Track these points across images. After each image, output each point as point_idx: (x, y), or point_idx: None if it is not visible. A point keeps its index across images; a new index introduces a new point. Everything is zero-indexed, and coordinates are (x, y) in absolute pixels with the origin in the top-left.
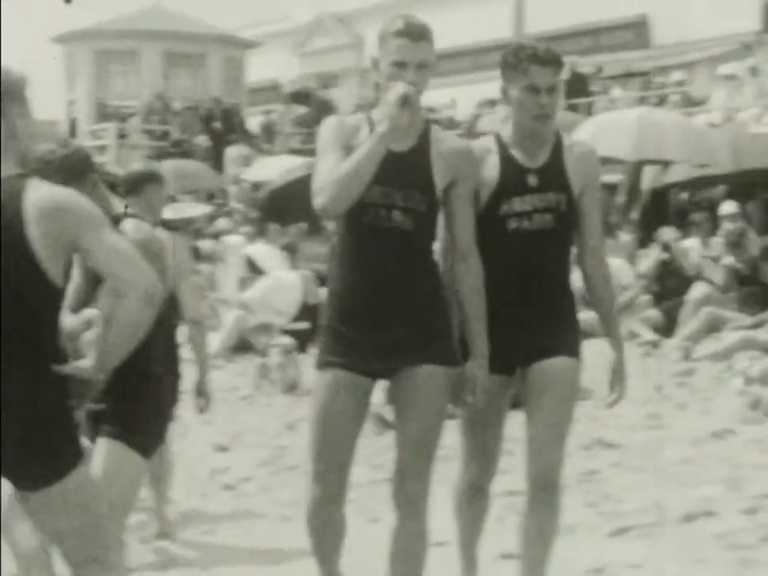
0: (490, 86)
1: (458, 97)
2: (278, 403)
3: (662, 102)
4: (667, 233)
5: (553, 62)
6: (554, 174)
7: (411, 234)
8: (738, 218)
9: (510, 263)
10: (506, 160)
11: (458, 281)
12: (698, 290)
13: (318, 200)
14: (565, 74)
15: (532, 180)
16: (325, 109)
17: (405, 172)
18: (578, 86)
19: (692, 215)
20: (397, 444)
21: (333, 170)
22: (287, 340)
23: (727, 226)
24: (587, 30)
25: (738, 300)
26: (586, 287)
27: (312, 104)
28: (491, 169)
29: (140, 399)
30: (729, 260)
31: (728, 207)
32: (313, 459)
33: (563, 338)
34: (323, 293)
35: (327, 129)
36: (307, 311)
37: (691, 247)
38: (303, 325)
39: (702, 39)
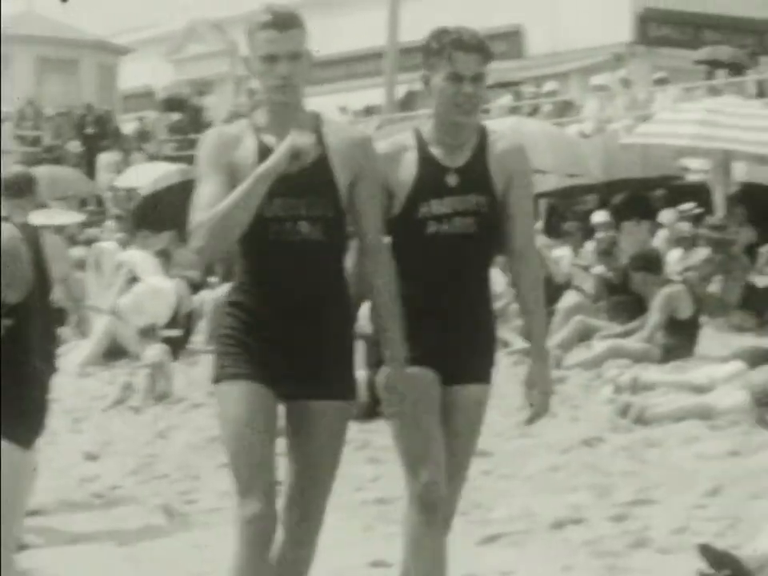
0: (366, 94)
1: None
2: (148, 411)
3: (534, 111)
4: (537, 241)
5: (478, 48)
6: (475, 175)
7: (320, 244)
8: (610, 227)
9: (431, 268)
10: (425, 158)
11: (368, 280)
12: (568, 299)
13: (193, 243)
14: None
15: (451, 180)
16: (199, 115)
17: (304, 178)
18: None
19: (564, 224)
20: (292, 472)
21: (207, 205)
22: (160, 347)
23: (598, 235)
24: None
25: (608, 309)
26: (515, 292)
27: (186, 110)
28: (408, 167)
29: (18, 392)
30: (599, 269)
31: (600, 216)
32: (238, 476)
33: (481, 358)
34: (196, 300)
35: (205, 148)
36: (180, 319)
37: (562, 256)
38: (176, 332)
39: (574, 50)
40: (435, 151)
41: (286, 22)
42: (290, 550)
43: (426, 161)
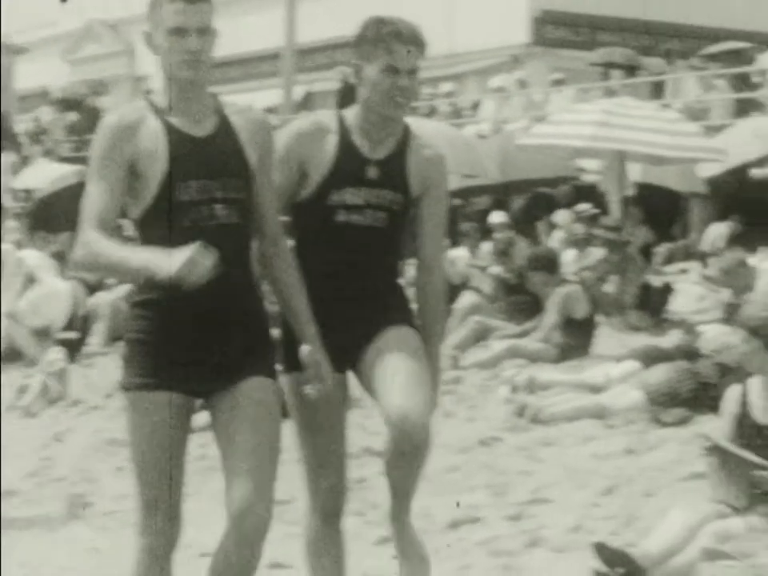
0: (264, 95)
1: None
2: (45, 415)
3: (431, 112)
4: None
5: (417, 42)
6: (393, 171)
7: (236, 227)
8: (506, 228)
9: (335, 257)
10: (345, 145)
11: (271, 265)
12: (465, 300)
13: (74, 257)
14: (337, 84)
15: (370, 172)
16: (95, 116)
17: (216, 159)
18: (351, 96)
19: (461, 225)
20: (231, 460)
21: (96, 211)
22: (56, 350)
23: (495, 236)
24: None
25: (505, 309)
26: (416, 300)
27: (82, 111)
28: (326, 151)
29: None
30: (496, 269)
31: (497, 217)
32: (143, 492)
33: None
34: (92, 302)
35: (102, 140)
36: (76, 321)
37: (459, 256)
38: (72, 334)
39: (471, 51)
40: (357, 140)
41: None
42: (235, 550)
43: (346, 148)
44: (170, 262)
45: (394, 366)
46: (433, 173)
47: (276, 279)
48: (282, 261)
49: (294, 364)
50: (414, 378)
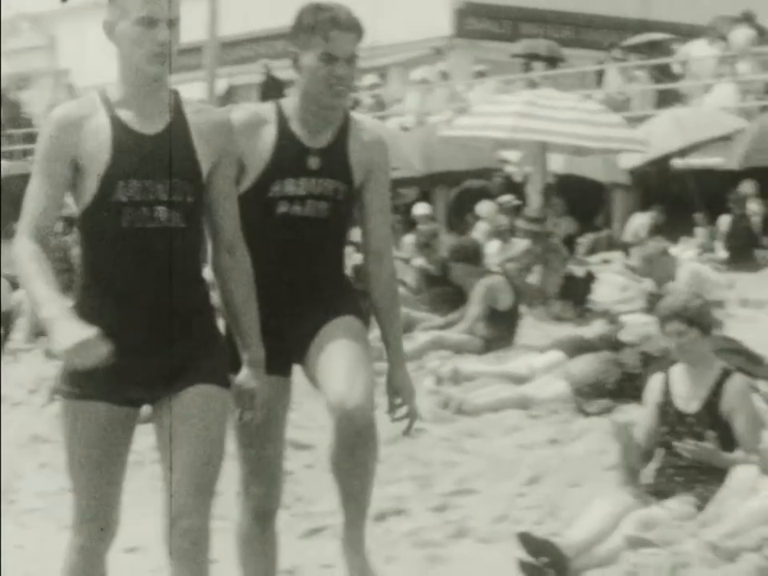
0: (186, 88)
1: None
2: None
3: (355, 105)
4: (356, 234)
5: (354, 28)
6: (335, 159)
7: (180, 231)
8: (430, 220)
9: (277, 250)
10: (284, 135)
11: (223, 276)
12: None
13: (14, 249)
14: (260, 77)
15: (311, 162)
16: (17, 110)
17: (162, 159)
18: (274, 89)
19: None
20: (169, 476)
21: (34, 211)
22: None
23: (419, 228)
24: (281, 33)
25: (429, 300)
26: (370, 294)
27: (4, 105)
28: (265, 142)
29: None
30: (419, 261)
31: (420, 209)
32: (76, 502)
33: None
34: (16, 297)
35: (45, 135)
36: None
37: None
38: None
39: (394, 44)
40: (296, 129)
41: None
42: (179, 567)
43: (286, 138)
44: (66, 335)
45: (333, 354)
46: (374, 156)
47: (228, 292)
48: (239, 273)
49: (237, 366)
50: (355, 364)
